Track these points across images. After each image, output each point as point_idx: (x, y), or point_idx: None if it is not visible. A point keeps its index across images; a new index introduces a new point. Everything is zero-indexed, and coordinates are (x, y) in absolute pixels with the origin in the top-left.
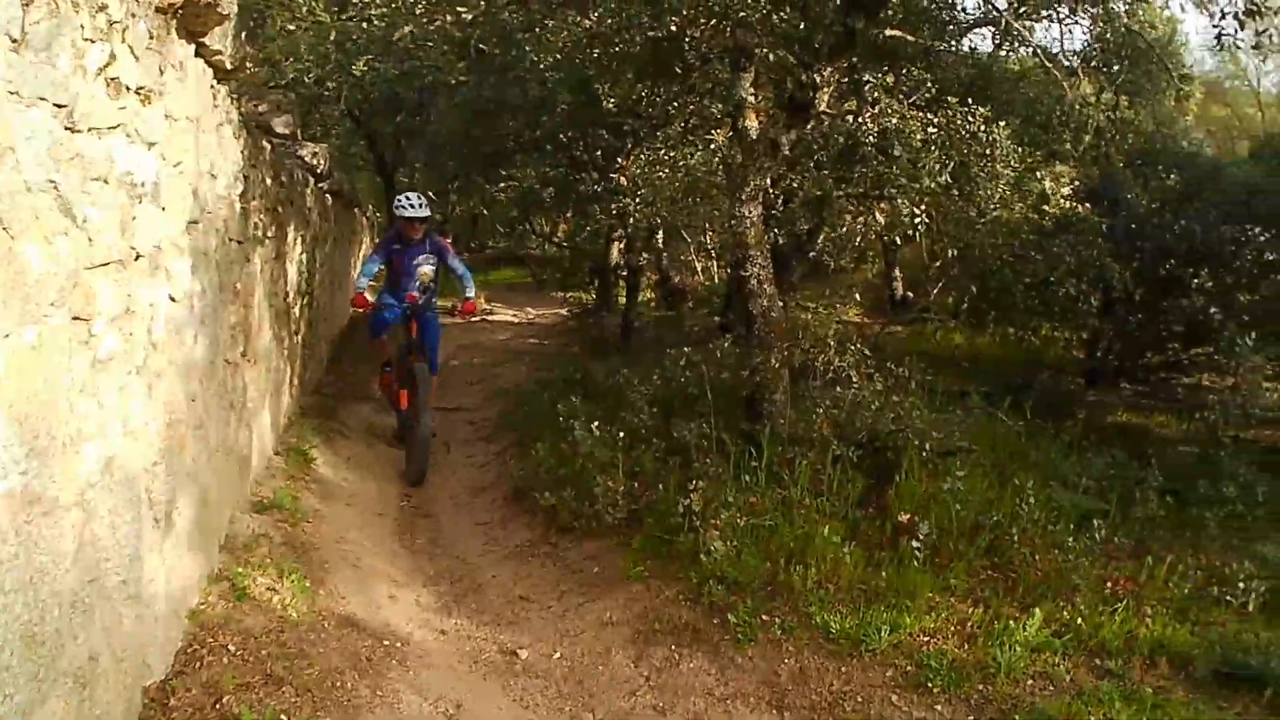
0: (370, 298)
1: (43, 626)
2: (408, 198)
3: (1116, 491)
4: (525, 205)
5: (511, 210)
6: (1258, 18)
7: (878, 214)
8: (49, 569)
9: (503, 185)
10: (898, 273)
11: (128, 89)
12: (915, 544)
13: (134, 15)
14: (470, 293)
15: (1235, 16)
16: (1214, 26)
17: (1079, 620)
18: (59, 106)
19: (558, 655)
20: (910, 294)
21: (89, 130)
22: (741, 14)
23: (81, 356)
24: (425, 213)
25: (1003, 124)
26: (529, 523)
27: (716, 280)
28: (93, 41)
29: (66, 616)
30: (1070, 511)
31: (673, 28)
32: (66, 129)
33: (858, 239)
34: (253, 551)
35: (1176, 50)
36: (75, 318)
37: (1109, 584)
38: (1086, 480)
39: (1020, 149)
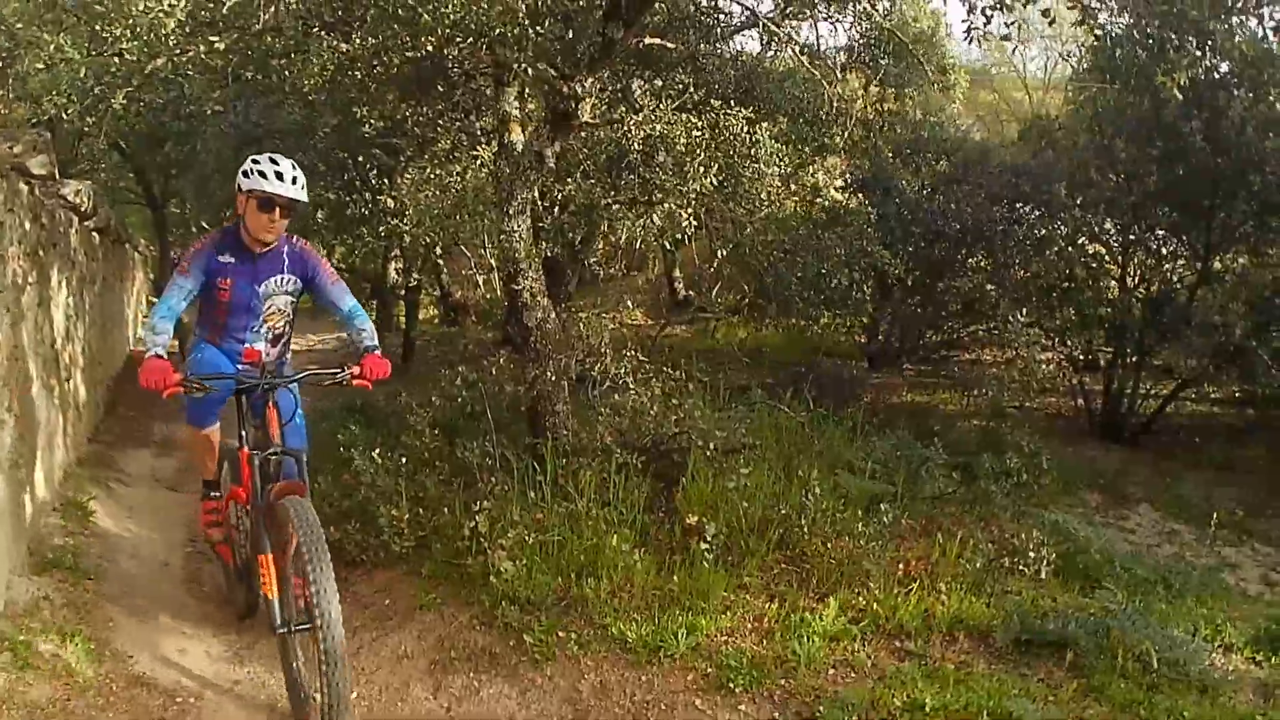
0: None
1: None
2: (271, 160)
3: (902, 473)
4: (301, 230)
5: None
6: (1005, 10)
7: (656, 218)
8: None
9: None
10: (678, 274)
11: None
12: (704, 545)
13: None
14: (372, 340)
15: (983, 11)
16: (963, 21)
17: (874, 605)
18: None
19: (355, 695)
20: (691, 294)
21: None
22: (498, 31)
23: None
24: (298, 193)
25: (766, 124)
26: None
27: (498, 294)
28: None
29: None
30: (859, 497)
31: (430, 48)
32: None
33: (638, 244)
34: (34, 616)
35: (941, 41)
36: None
37: (902, 566)
38: (872, 464)
39: (788, 146)
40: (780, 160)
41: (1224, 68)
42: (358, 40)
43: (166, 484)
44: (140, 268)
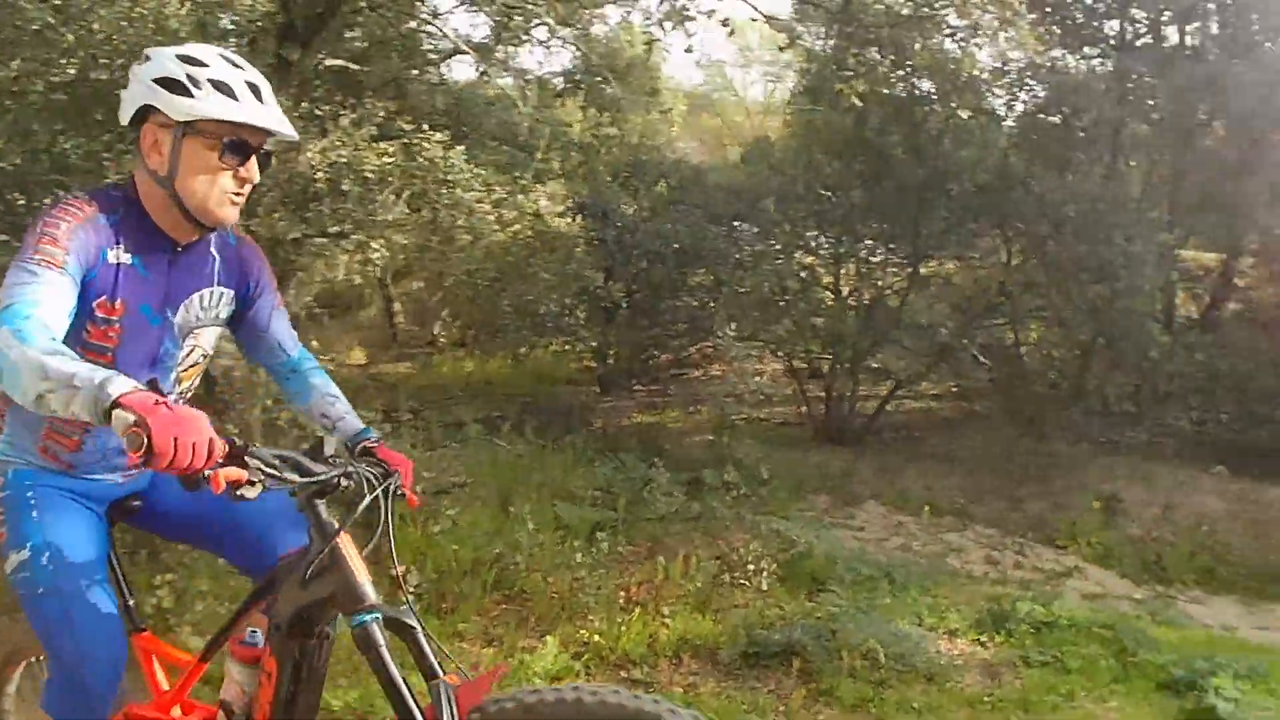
0: None
1: None
2: (228, 60)
3: (624, 496)
4: None
5: None
6: (684, 22)
7: (362, 252)
8: None
9: None
10: (397, 307)
11: None
12: (409, 596)
13: None
14: (360, 423)
15: (659, 23)
16: (643, 32)
17: (596, 636)
18: None
19: None
20: (415, 329)
21: None
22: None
23: None
24: (285, 128)
25: (461, 148)
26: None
27: None
28: None
29: None
30: (579, 526)
31: (72, 71)
32: None
33: (355, 280)
34: None
35: (656, 67)
36: None
37: (624, 593)
38: (594, 490)
39: (498, 173)
40: (485, 187)
41: (925, 84)
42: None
43: None
44: None
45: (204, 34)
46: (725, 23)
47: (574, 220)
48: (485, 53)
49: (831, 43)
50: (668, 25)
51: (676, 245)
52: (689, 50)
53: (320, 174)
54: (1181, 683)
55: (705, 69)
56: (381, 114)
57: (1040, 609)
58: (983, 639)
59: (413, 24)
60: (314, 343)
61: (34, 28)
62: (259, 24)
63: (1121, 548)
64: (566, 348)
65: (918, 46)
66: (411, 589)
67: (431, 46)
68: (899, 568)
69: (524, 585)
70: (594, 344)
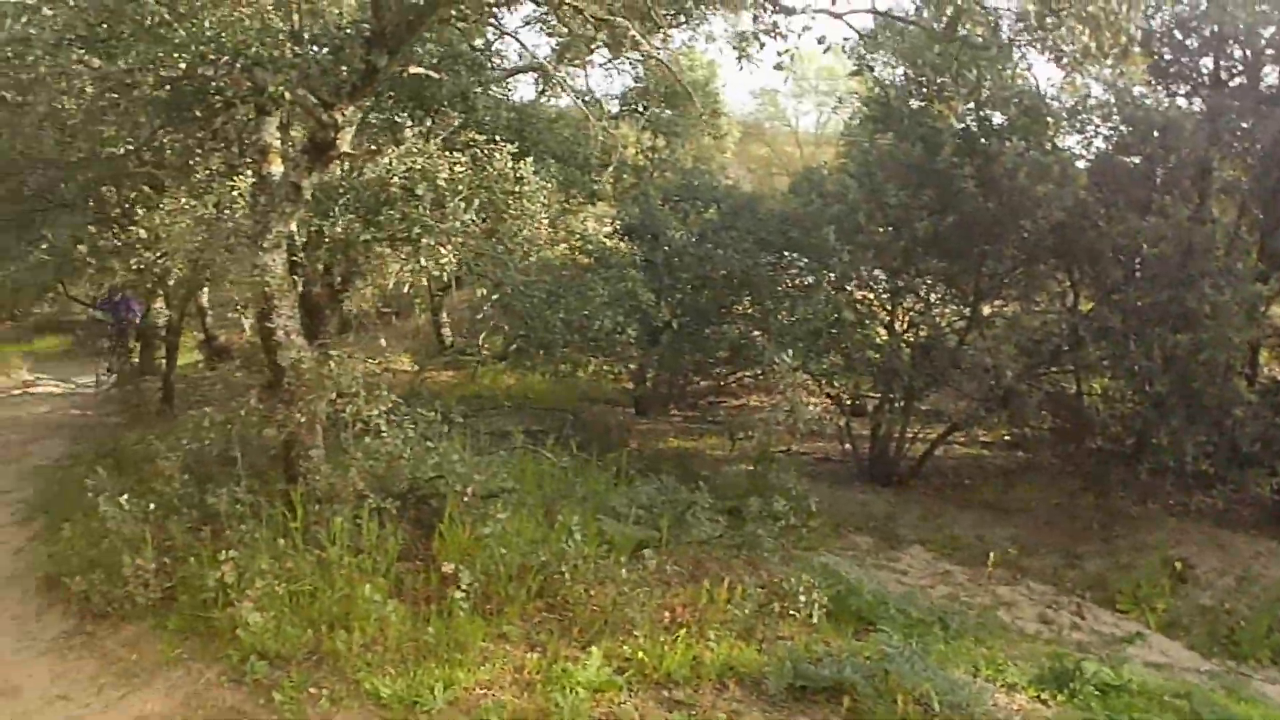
0: None
1: None
2: None
3: (668, 517)
4: (58, 267)
5: (47, 274)
6: (779, 37)
7: (422, 259)
8: None
9: (43, 246)
10: (445, 317)
11: None
12: (460, 593)
13: None
14: None
15: (756, 36)
16: (734, 48)
17: (640, 654)
18: None
19: None
20: (460, 338)
21: None
22: (254, 50)
23: None
24: None
25: (529, 159)
26: (64, 611)
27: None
28: None
29: None
30: (622, 543)
31: (183, 66)
32: None
33: (406, 286)
34: None
35: (715, 92)
36: None
37: (668, 613)
38: (636, 509)
39: (550, 186)
40: (547, 202)
41: (997, 118)
42: (111, 58)
43: None
44: None
45: (299, 37)
46: (822, 40)
47: (622, 241)
48: (547, 72)
49: (902, 70)
50: (754, 44)
51: (725, 271)
52: (778, 67)
53: (395, 179)
54: None
55: (758, 97)
56: (456, 124)
57: (1108, 671)
58: (1044, 696)
59: (481, 40)
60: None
61: (148, 23)
62: (347, 30)
63: (1191, 617)
64: (606, 367)
65: (999, 75)
66: (463, 588)
67: (497, 63)
68: (952, 615)
69: (567, 595)
70: (633, 366)
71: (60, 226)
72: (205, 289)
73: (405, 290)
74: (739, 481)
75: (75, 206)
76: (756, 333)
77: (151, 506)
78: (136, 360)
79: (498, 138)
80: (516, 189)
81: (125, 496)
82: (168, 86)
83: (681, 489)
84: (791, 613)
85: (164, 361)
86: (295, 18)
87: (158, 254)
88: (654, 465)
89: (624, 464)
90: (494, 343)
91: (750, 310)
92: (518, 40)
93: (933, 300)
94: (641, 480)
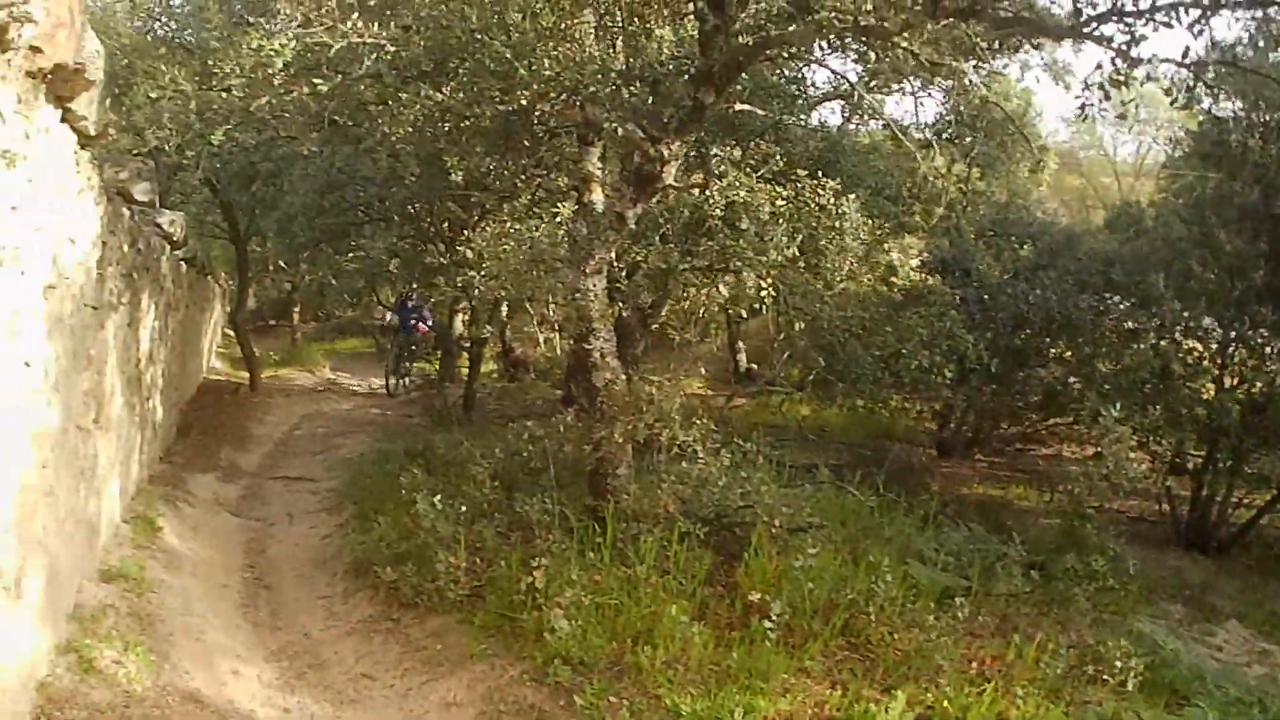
0: None
1: None
2: None
3: (977, 567)
4: (371, 276)
5: (358, 281)
6: (1123, 88)
7: (721, 287)
8: None
9: (350, 255)
10: (741, 344)
11: None
12: (768, 624)
13: (4, 79)
14: None
15: (1100, 86)
16: (1076, 98)
17: (944, 702)
18: None
19: None
20: (754, 366)
21: None
22: (592, 89)
23: None
24: None
25: (853, 196)
26: (371, 597)
27: (558, 352)
28: None
29: None
30: (930, 588)
31: (524, 101)
32: None
33: (701, 311)
34: (100, 623)
35: (1031, 121)
36: None
37: (974, 664)
38: (944, 555)
39: (869, 221)
40: (866, 237)
41: None
42: (451, 91)
43: (229, 509)
44: (219, 300)
45: (631, 75)
46: (1169, 92)
47: (930, 276)
48: (858, 99)
49: (1238, 104)
50: (1108, 89)
51: (1042, 313)
52: (1121, 117)
53: (716, 211)
54: None
55: (1071, 124)
56: (778, 158)
57: None
58: None
59: (786, 70)
60: (669, 365)
61: (490, 65)
62: (669, 66)
63: None
64: (906, 405)
65: None
66: (772, 618)
67: (803, 92)
68: (1274, 698)
69: (870, 635)
70: (938, 406)
71: (376, 239)
72: (505, 304)
73: (700, 315)
74: (1048, 535)
75: (391, 222)
76: (1073, 379)
77: (463, 509)
78: (438, 367)
79: (819, 173)
80: (836, 224)
81: (438, 497)
82: (500, 117)
83: (992, 538)
84: (1104, 678)
85: (465, 370)
86: (620, 55)
87: (481, 272)
88: (958, 511)
89: (933, 507)
90: (790, 373)
91: (1067, 355)
92: (827, 68)
93: (1268, 354)
94: (949, 525)
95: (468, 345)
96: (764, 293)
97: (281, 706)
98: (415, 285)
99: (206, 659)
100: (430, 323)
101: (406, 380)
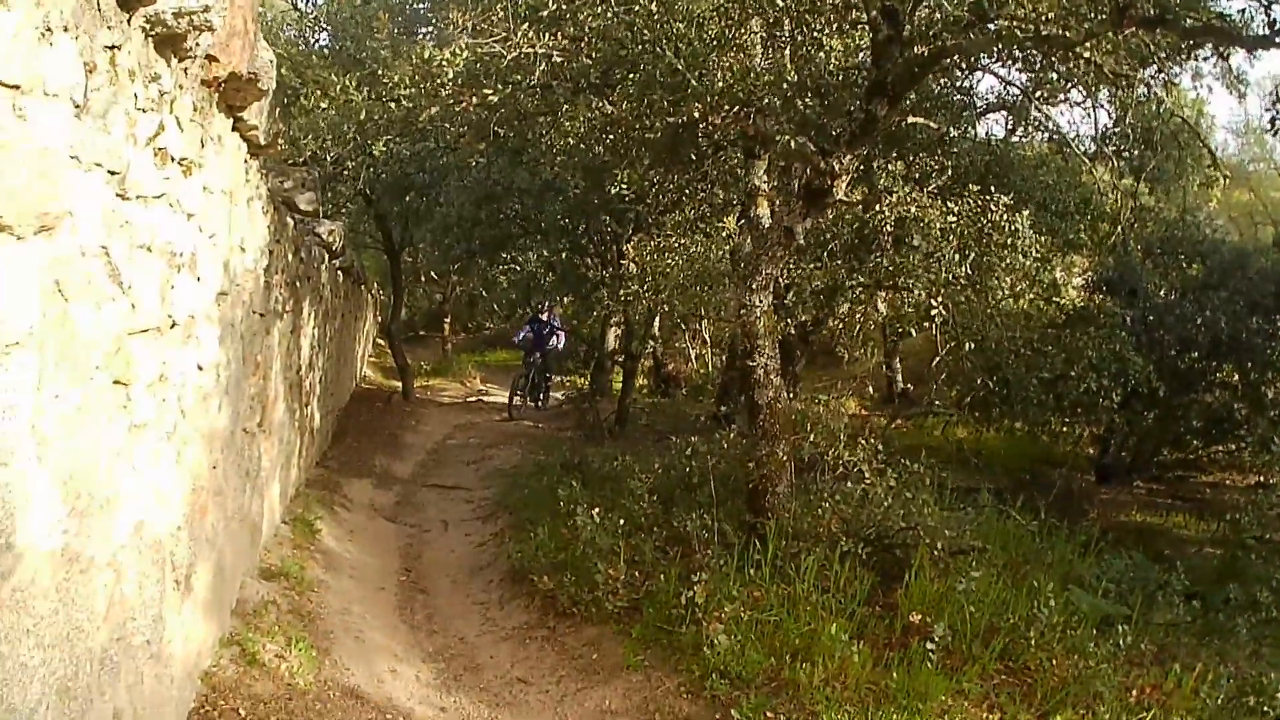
0: None
1: (76, 682)
2: None
3: (1138, 595)
4: (525, 288)
5: (511, 293)
6: None
7: (880, 304)
8: (84, 626)
9: (503, 268)
10: (898, 364)
11: (172, 159)
12: (930, 645)
13: (182, 87)
14: None
15: None
16: (1266, 110)
17: None
18: (112, 173)
19: None
20: (910, 386)
21: (137, 198)
22: (765, 101)
23: (120, 420)
24: None
25: (1026, 212)
26: (526, 605)
27: (711, 369)
28: (144, 111)
29: (96, 673)
30: (1090, 615)
31: (695, 114)
32: (118, 195)
33: (857, 329)
34: (262, 618)
35: (1203, 134)
36: (116, 382)
37: (1133, 692)
38: (1105, 582)
39: (1040, 239)
40: (1040, 255)
41: None
42: (619, 103)
43: (384, 514)
44: (371, 310)
45: (803, 88)
46: None
47: (1096, 295)
48: (1023, 110)
49: None
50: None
51: (1210, 336)
52: None
53: (886, 227)
54: None
55: (1241, 135)
56: (935, 173)
57: None
58: None
59: (951, 80)
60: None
61: (660, 76)
62: (839, 79)
63: None
64: (1065, 429)
65: None
66: (935, 639)
67: (970, 102)
68: None
69: (1029, 660)
70: (1099, 431)
71: (529, 252)
72: (656, 319)
73: (858, 333)
74: (1208, 565)
75: (546, 235)
76: (1238, 405)
77: (621, 522)
78: (588, 382)
79: (988, 187)
80: (1009, 241)
81: (596, 510)
82: (668, 129)
83: (1152, 566)
84: (1264, 709)
85: (617, 384)
86: (790, 67)
87: (644, 287)
88: (1117, 538)
89: (1094, 533)
90: (947, 394)
91: (1233, 379)
92: (994, 74)
93: None
94: (1110, 552)
95: (620, 360)
96: (934, 311)
97: (438, 706)
98: (570, 298)
99: (365, 657)
100: (564, 340)
101: (542, 399)
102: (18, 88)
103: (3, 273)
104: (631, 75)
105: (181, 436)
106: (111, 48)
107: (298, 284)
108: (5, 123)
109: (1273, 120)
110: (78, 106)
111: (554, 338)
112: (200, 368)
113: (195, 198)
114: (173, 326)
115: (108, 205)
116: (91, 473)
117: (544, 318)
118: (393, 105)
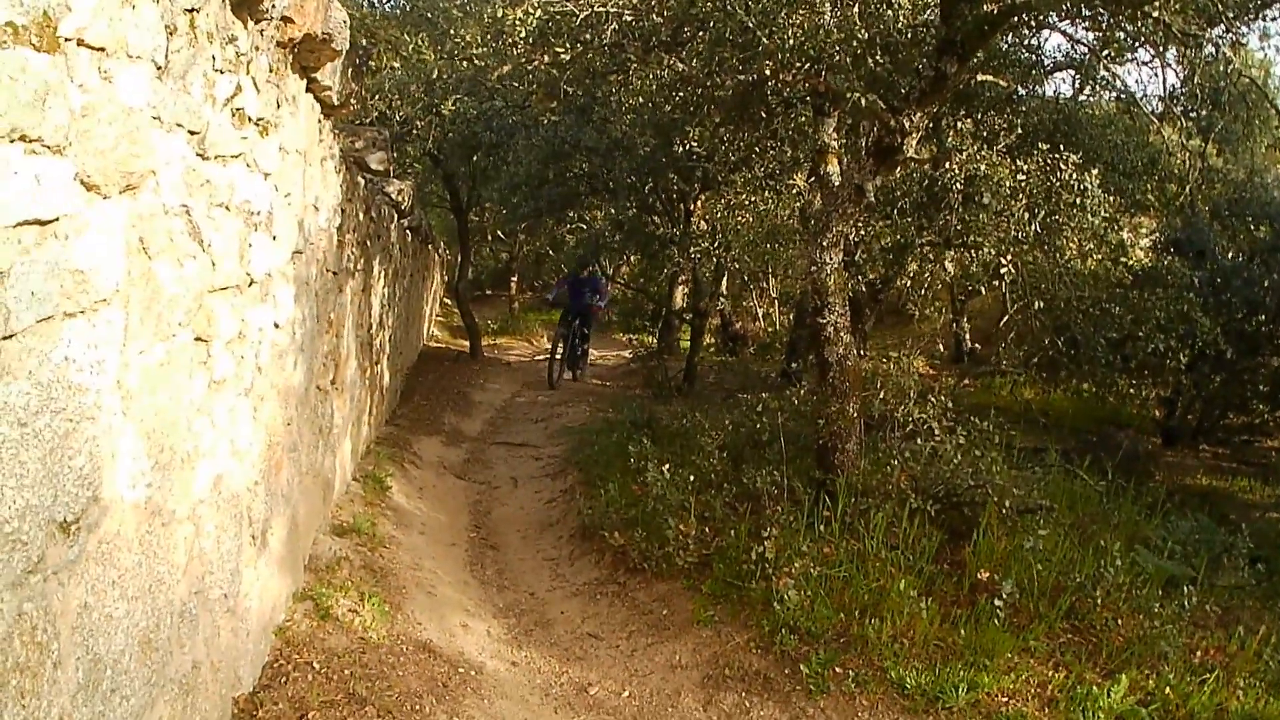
0: None
1: (157, 634)
2: None
3: (1203, 557)
4: (593, 247)
5: (578, 251)
6: None
7: (948, 263)
8: (165, 578)
9: (570, 226)
10: (966, 323)
11: (249, 120)
12: (997, 603)
13: (258, 49)
14: None
15: None
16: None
17: (1166, 689)
18: (192, 133)
19: (627, 694)
20: (978, 345)
21: (215, 158)
22: (835, 58)
23: (200, 377)
24: None
25: (1094, 171)
26: (597, 561)
27: (779, 327)
28: (222, 72)
29: (176, 626)
30: (1156, 576)
31: (767, 71)
32: (198, 155)
33: (924, 288)
34: (334, 573)
35: (1271, 95)
36: (197, 339)
37: (1197, 653)
38: (1171, 544)
39: (1109, 199)
40: (1109, 215)
41: None
42: (689, 60)
43: (454, 472)
44: (438, 269)
45: (874, 45)
46: None
47: (1165, 256)
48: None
49: None
50: None
51: (1278, 297)
52: None
53: (956, 185)
54: None
55: None
56: (1003, 131)
57: None
58: None
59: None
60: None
61: (730, 35)
62: (908, 36)
63: None
64: (1132, 391)
65: None
66: (1003, 597)
67: (1038, 60)
68: None
69: (1094, 619)
70: (1166, 394)
71: (597, 210)
72: (725, 277)
73: (925, 291)
74: (1274, 529)
75: (614, 193)
76: None
77: (691, 479)
78: (656, 340)
79: (1056, 146)
80: (1078, 200)
81: (666, 466)
82: (739, 87)
83: (1218, 529)
84: None
85: (685, 342)
86: (859, 24)
87: (715, 244)
88: (1182, 501)
89: (1160, 496)
90: (1014, 354)
91: None
92: (1061, 32)
93: None
94: (1177, 514)
95: (688, 318)
96: (1003, 270)
97: (509, 660)
98: (637, 256)
99: (437, 612)
100: (604, 300)
101: (579, 370)
102: (103, 50)
103: (91, 231)
104: (701, 33)
105: (258, 393)
106: (191, 10)
107: (368, 243)
108: (91, 84)
109: None
110: (159, 68)
111: (594, 296)
112: (276, 325)
113: (271, 158)
114: (250, 284)
115: (188, 165)
116: (173, 427)
117: (583, 275)
118: (464, 64)
